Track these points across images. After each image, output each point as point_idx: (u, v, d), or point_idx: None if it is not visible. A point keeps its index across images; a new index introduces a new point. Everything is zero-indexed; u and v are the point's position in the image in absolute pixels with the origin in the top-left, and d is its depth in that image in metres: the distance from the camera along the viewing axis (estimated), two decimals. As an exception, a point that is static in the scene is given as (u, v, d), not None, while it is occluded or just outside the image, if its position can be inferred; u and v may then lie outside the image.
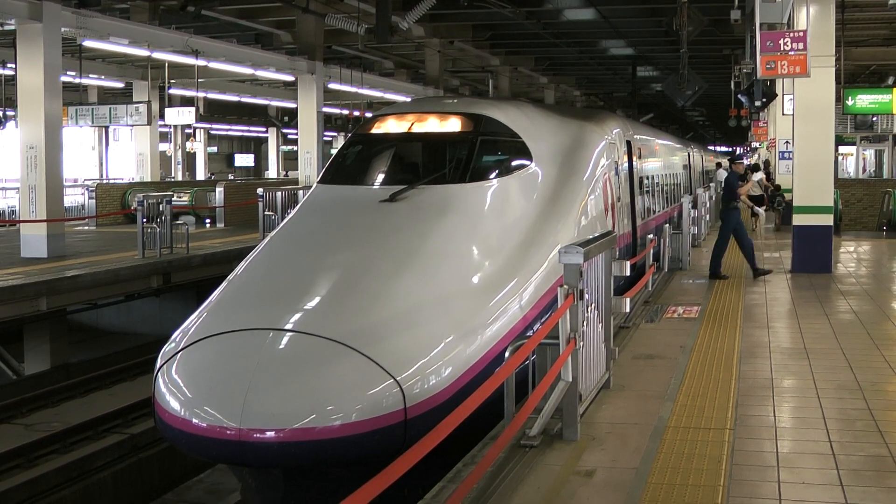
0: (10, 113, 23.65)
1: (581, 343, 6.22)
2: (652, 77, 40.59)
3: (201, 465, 11.65)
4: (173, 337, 6.96)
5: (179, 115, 26.77)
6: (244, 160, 64.08)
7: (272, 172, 51.99)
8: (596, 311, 6.83)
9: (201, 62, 22.56)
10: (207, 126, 45.88)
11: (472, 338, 6.87)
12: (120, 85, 31.05)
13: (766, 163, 34.77)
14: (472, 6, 22.48)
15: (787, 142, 23.58)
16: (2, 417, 12.72)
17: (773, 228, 24.26)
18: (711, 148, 69.74)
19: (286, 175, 46.54)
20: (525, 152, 9.31)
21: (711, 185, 27.07)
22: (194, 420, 6.00)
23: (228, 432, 5.81)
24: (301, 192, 21.05)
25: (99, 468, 11.20)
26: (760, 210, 21.49)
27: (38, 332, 16.05)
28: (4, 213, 30.63)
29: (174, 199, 19.25)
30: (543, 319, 7.10)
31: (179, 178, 38.42)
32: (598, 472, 5.54)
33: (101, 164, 41.19)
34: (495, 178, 8.91)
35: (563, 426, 6.15)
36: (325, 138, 33.15)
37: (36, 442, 11.38)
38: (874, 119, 32.14)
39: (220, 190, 25.03)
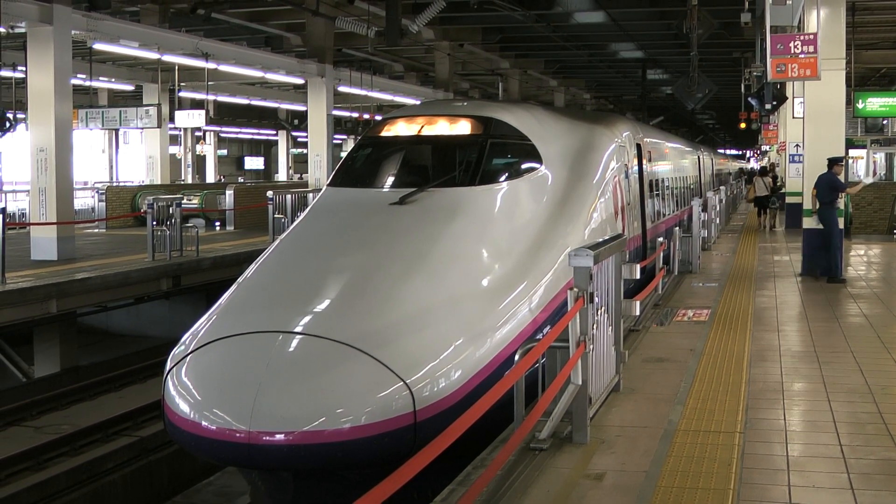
0: (20, 116, 23.69)
1: (591, 346, 6.20)
2: (662, 80, 40.55)
3: (210, 468, 11.67)
4: (183, 340, 6.97)
5: (189, 118, 26.83)
6: (254, 163, 64.21)
7: (282, 175, 52.04)
8: (606, 315, 6.81)
9: (211, 65, 22.59)
10: (217, 129, 45.93)
11: (481, 341, 6.86)
12: (130, 88, 31.12)
13: (773, 165, 34.75)
14: (482, 9, 22.48)
15: (797, 145, 23.49)
16: (11, 420, 12.75)
17: (767, 228, 24.47)
18: (721, 151, 69.59)
19: (300, 178, 46.51)
20: (535, 155, 9.30)
21: (722, 188, 27.03)
22: (204, 423, 6.01)
23: (238, 435, 5.81)
24: (311, 194, 21.06)
25: (108, 471, 11.23)
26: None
27: (47, 334, 16.10)
28: (14, 216, 30.70)
29: (184, 201, 19.29)
30: (553, 322, 7.09)
31: (189, 180, 38.46)
32: (608, 476, 5.52)
33: (111, 167, 41.30)
34: (505, 180, 8.89)
35: (572, 429, 6.14)
36: (335, 141, 33.16)
37: (45, 444, 11.40)
38: (885, 122, 32.09)
39: (229, 193, 25.06)
